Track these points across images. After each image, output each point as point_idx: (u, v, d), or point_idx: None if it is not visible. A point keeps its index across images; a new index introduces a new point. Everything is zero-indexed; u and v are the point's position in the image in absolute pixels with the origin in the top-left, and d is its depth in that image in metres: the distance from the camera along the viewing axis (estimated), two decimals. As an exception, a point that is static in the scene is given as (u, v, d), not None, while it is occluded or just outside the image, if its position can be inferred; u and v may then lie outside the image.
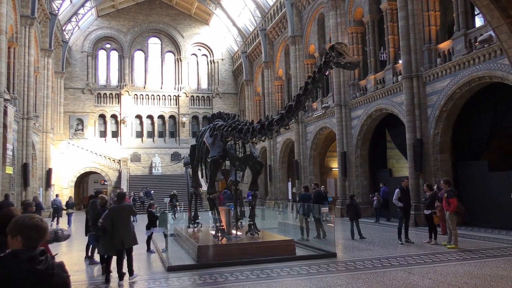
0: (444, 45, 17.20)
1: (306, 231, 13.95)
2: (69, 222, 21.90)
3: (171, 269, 9.42)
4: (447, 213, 11.65)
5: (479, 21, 17.03)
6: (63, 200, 26.66)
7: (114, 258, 8.46)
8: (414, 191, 17.38)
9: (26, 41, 24.63)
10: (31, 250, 2.38)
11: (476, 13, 16.81)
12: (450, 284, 7.48)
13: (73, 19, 36.43)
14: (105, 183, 37.40)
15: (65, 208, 22.79)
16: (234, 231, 11.54)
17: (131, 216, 8.83)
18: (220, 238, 10.65)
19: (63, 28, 35.72)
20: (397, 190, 13.08)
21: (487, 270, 8.53)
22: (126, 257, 8.50)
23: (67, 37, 36.25)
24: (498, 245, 11.73)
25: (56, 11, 30.74)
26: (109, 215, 8.33)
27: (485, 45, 14.65)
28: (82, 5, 36.19)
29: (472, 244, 12.07)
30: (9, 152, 20.68)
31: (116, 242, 8.26)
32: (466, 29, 16.07)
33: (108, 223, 8.24)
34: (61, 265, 2.45)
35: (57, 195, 25.34)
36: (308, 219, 14.18)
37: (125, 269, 8.42)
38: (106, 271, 8.53)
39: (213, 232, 11.34)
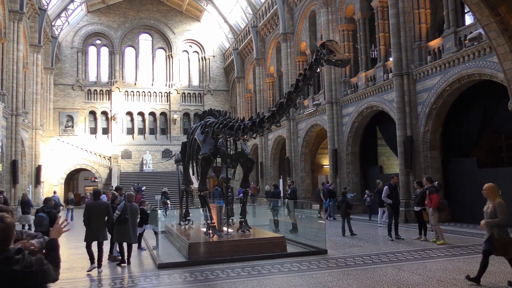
0: (434, 43, 17.30)
1: (275, 224, 14.93)
2: (71, 218, 22.71)
3: (162, 266, 9.40)
4: (430, 209, 11.83)
5: (469, 19, 17.15)
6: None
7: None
8: (404, 188, 17.52)
9: (15, 36, 24.33)
10: (5, 251, 2.31)
11: (466, 11, 16.95)
12: (440, 280, 7.55)
13: (63, 14, 36.08)
14: (96, 180, 37.17)
15: (63, 204, 23.33)
16: (225, 228, 11.54)
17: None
18: (211, 235, 10.64)
19: (53, 24, 35.35)
20: (386, 187, 13.17)
21: (476, 265, 8.57)
22: (97, 249, 9.28)
23: (56, 32, 35.89)
24: (487, 241, 11.85)
25: (46, 6, 30.41)
26: (86, 210, 9.31)
27: (475, 43, 14.77)
28: (72, 1, 35.86)
29: (461, 240, 12.19)
30: (-2, 149, 20.48)
31: (91, 235, 9.18)
32: (456, 27, 16.19)
33: (85, 217, 9.25)
34: (40, 260, 2.38)
35: (54, 192, 26.17)
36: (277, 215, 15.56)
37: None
38: (91, 258, 9.28)
39: (204, 229, 11.32)
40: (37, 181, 29.32)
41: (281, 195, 19.03)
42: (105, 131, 40.81)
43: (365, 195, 20.17)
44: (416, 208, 12.93)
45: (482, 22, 9.45)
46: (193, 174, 14.42)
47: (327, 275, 8.27)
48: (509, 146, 19.07)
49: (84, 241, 9.31)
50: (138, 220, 10.23)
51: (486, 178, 15.48)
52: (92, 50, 41.89)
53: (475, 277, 7.18)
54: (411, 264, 9.04)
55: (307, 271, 8.66)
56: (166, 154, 40.94)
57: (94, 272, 9.06)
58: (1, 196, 15.24)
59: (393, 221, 12.92)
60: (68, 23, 38.14)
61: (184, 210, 14.37)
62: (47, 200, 10.11)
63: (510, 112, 11.70)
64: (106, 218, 9.43)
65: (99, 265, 9.19)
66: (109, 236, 10.43)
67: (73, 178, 40.28)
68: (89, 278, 8.71)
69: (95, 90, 40.89)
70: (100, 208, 9.33)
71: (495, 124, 16.24)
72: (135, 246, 12.13)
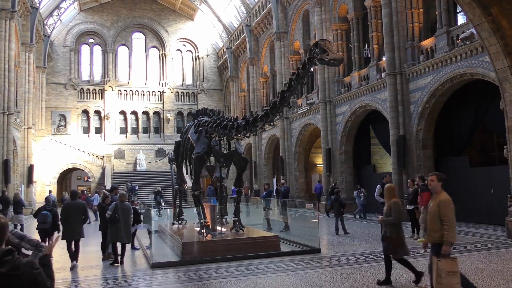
0: (427, 42, 17.39)
1: (268, 223, 15.04)
2: None
3: (155, 266, 9.37)
4: (421, 207, 11.90)
5: (461, 19, 17.24)
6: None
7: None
8: (397, 186, 17.56)
9: (7, 35, 24.13)
10: None
11: (458, 11, 17.02)
12: (432, 278, 7.58)
13: (55, 13, 35.82)
14: (89, 180, 36.98)
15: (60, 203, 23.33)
16: (218, 228, 11.53)
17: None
18: (204, 234, 10.63)
19: (45, 22, 35.10)
20: (378, 186, 13.24)
21: (468, 263, 8.68)
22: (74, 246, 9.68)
23: (49, 31, 35.64)
24: (479, 239, 11.96)
25: (38, 5, 30.20)
26: (63, 210, 9.73)
27: (467, 43, 14.86)
28: (64, -1, 35.61)
29: (454, 239, 12.24)
30: (-11, 149, 20.31)
31: (69, 233, 9.53)
32: (449, 26, 16.28)
33: (62, 216, 9.67)
34: (30, 263, 2.36)
35: (50, 191, 26.38)
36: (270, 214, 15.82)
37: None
38: (71, 257, 9.56)
39: (198, 229, 11.31)
40: (29, 181, 29.09)
41: (274, 193, 19.09)
42: (98, 130, 40.62)
43: (358, 192, 20.24)
44: (409, 207, 13.00)
45: (474, 21, 9.53)
46: (186, 174, 14.40)
47: (321, 274, 8.29)
48: (501, 145, 19.18)
49: (62, 239, 9.52)
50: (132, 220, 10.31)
51: (478, 177, 15.66)
52: (85, 48, 41.66)
53: (384, 280, 7.22)
54: (404, 263, 9.06)
55: (300, 270, 8.67)
56: (160, 153, 40.83)
57: (83, 270, 9.06)
58: None
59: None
60: (61, 21, 37.86)
61: (177, 210, 14.34)
62: (48, 199, 10.69)
63: (502, 111, 11.80)
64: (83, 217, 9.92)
65: (75, 259, 9.58)
66: (101, 235, 10.47)
67: (66, 177, 40.04)
68: (82, 278, 8.66)
69: (88, 89, 40.68)
70: (76, 207, 9.75)
71: (487, 123, 16.35)
72: (128, 246, 12.10)
